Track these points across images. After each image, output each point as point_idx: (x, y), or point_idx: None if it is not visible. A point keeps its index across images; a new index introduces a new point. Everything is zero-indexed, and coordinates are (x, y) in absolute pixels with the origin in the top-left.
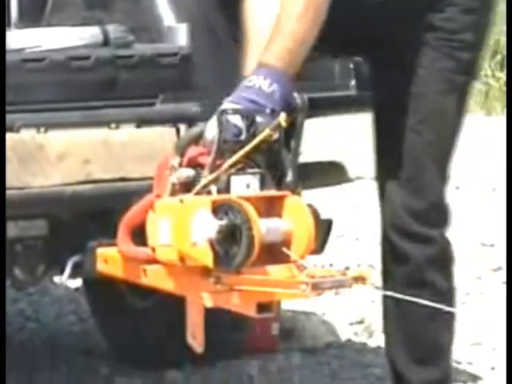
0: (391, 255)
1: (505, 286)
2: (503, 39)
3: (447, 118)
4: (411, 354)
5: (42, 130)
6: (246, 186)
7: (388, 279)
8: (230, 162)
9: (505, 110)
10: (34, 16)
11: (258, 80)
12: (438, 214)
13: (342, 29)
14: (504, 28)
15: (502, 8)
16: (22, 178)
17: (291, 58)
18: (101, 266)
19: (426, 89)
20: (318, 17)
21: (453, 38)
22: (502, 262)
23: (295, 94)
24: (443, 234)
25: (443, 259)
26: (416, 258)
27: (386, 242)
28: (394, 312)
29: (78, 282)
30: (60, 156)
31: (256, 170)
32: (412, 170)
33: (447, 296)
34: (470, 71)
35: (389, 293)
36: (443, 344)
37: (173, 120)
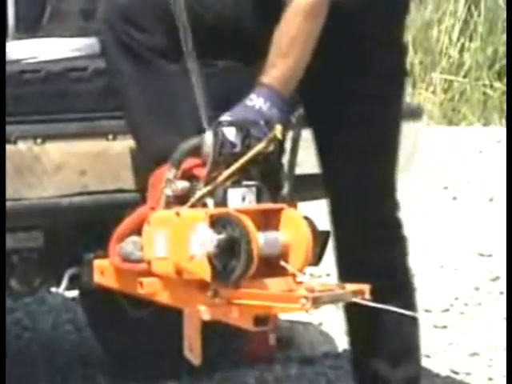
0: (359, 265)
1: (503, 296)
2: (501, 49)
3: (391, 122)
4: (386, 356)
5: (39, 141)
6: (241, 198)
7: None
8: (225, 174)
9: (503, 121)
10: (30, 27)
11: (258, 101)
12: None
13: None
14: (502, 38)
15: (500, 18)
16: (19, 190)
17: (290, 82)
18: (97, 278)
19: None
20: (311, 47)
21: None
22: (500, 272)
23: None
24: (402, 233)
25: (403, 257)
26: (382, 265)
27: (350, 253)
28: (368, 321)
29: (74, 292)
30: (57, 167)
31: (252, 182)
32: (367, 177)
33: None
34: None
35: (386, 307)
36: (414, 342)
37: None
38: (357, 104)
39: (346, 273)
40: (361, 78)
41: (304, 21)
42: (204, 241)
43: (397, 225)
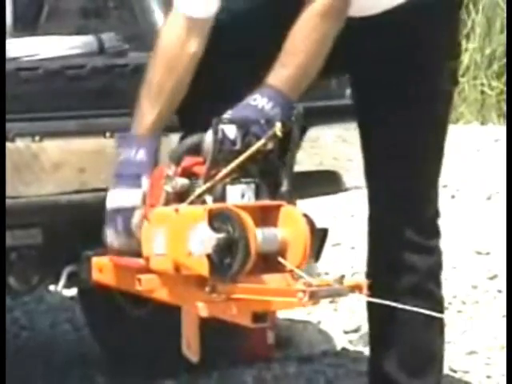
0: (391, 267)
1: (501, 294)
2: (499, 49)
3: (438, 127)
4: (404, 365)
5: (37, 138)
6: (240, 195)
7: (383, 289)
8: (225, 171)
9: (501, 119)
10: (28, 25)
11: (261, 100)
12: (436, 224)
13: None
14: (500, 38)
15: (498, 18)
16: (17, 187)
17: (299, 83)
18: (96, 276)
19: (417, 100)
20: (325, 50)
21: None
22: (498, 270)
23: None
24: (439, 243)
25: (439, 268)
26: (421, 270)
27: (384, 254)
28: (389, 322)
29: (73, 291)
30: (55, 165)
31: (251, 179)
32: (410, 182)
33: (442, 304)
34: (454, 79)
35: (387, 302)
36: (437, 353)
37: (167, 129)
38: (406, 106)
39: (375, 272)
40: (414, 81)
41: (320, 22)
42: (203, 237)
43: (436, 234)
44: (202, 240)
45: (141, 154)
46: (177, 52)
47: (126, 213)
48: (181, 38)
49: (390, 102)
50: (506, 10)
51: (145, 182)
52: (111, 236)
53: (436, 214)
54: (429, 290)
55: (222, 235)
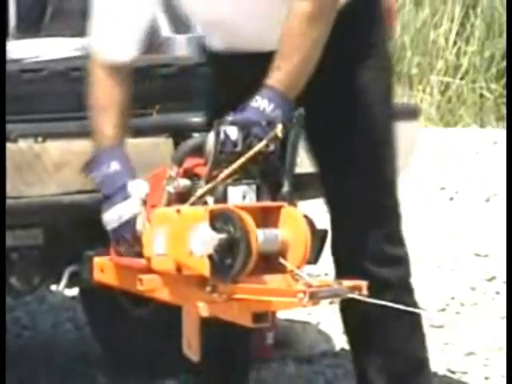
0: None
1: (499, 296)
2: (498, 53)
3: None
4: (388, 372)
5: (40, 139)
6: (242, 196)
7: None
8: (226, 172)
9: (499, 122)
10: (32, 26)
11: (262, 102)
12: (400, 233)
13: None
14: (499, 41)
15: (497, 22)
16: (19, 188)
17: (295, 84)
18: (97, 275)
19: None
20: (316, 53)
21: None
22: (496, 271)
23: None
24: (406, 252)
25: (409, 277)
26: (395, 283)
27: (359, 271)
28: (374, 329)
29: (74, 291)
30: (57, 165)
31: (252, 180)
32: (375, 193)
33: (419, 314)
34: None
35: (384, 303)
36: (422, 360)
37: (169, 130)
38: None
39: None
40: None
41: (307, 27)
42: (204, 237)
43: (401, 243)
44: (204, 240)
45: (114, 166)
46: (107, 102)
47: (128, 225)
48: (106, 88)
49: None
50: (505, 13)
51: (135, 186)
52: (124, 249)
53: (398, 224)
54: (405, 303)
55: (223, 236)
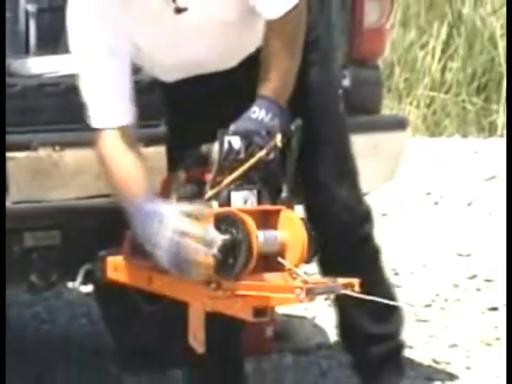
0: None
1: (479, 292)
2: (479, 69)
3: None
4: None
5: (58, 148)
6: (243, 200)
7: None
8: (229, 178)
9: (480, 133)
10: (50, 44)
11: (260, 113)
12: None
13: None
14: (480, 58)
15: (478, 41)
16: (39, 193)
17: (285, 93)
18: (111, 274)
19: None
20: (297, 55)
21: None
22: (477, 270)
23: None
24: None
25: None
26: (363, 216)
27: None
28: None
29: (89, 287)
30: (74, 172)
31: (253, 186)
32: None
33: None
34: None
35: (377, 299)
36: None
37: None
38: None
39: None
40: None
41: (281, 40)
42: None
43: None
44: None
45: (150, 206)
46: (125, 176)
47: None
48: (116, 154)
49: None
50: (486, 32)
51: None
52: None
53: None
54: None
55: (226, 237)
